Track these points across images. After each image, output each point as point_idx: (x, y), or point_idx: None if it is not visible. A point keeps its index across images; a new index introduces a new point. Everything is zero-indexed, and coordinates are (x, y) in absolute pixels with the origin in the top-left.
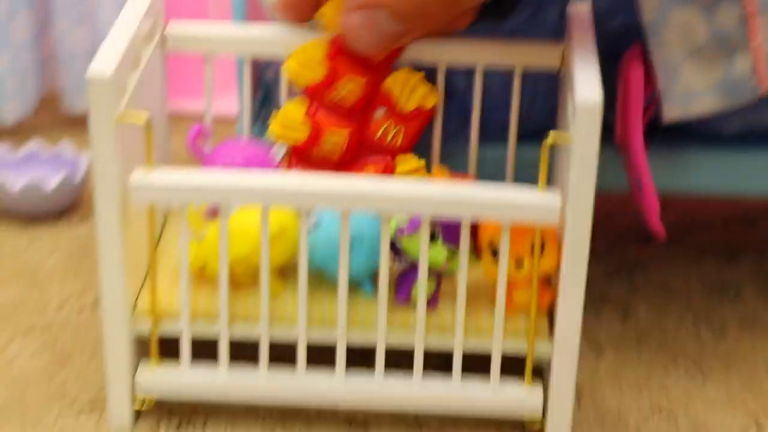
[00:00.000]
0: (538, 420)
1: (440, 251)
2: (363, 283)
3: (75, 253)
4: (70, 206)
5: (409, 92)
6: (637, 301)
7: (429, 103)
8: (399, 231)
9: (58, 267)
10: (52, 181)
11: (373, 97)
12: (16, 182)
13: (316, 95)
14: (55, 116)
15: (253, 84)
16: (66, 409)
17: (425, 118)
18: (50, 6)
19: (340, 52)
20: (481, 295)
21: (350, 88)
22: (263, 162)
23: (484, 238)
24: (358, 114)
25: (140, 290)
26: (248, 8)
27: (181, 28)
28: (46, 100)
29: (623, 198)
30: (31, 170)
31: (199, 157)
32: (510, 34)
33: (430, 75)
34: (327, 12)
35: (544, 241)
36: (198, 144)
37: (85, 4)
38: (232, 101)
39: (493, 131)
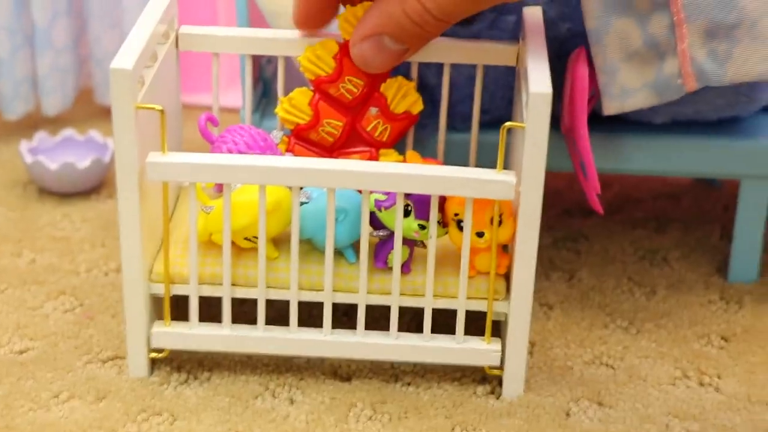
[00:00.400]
0: (498, 369)
1: (413, 223)
2: (346, 251)
3: (102, 225)
4: (98, 185)
5: (401, 97)
6: (580, 267)
7: (416, 110)
8: (377, 205)
9: (87, 237)
10: (84, 162)
11: (369, 97)
12: (53, 163)
13: (321, 87)
14: (89, 108)
15: (254, 79)
16: (93, 359)
17: (410, 121)
18: (86, 14)
19: (347, 55)
20: (447, 262)
21: (351, 86)
22: (263, 144)
23: (451, 211)
24: (354, 109)
25: (156, 257)
26: (251, 15)
27: (191, 30)
28: (82, 94)
29: (568, 177)
30: (66, 153)
31: (209, 140)
32: (475, 36)
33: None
34: (341, 22)
35: (502, 214)
36: (207, 129)
37: (114, 14)
38: (236, 95)
39: (459, 120)
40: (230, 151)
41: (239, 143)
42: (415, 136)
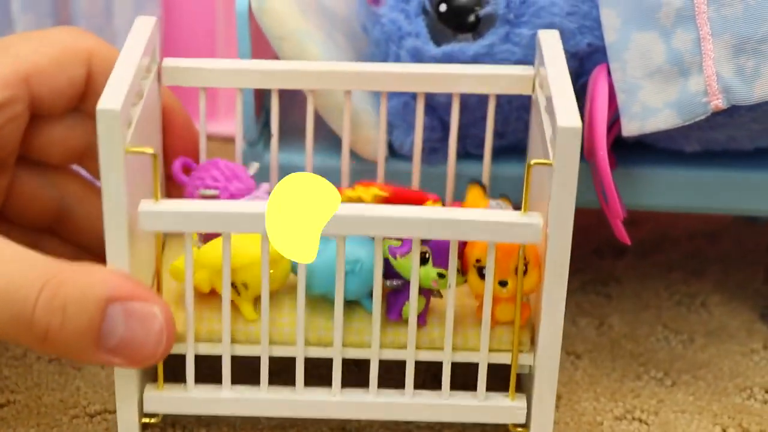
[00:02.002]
0: (522, 427)
1: (431, 271)
2: (363, 300)
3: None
4: None
5: None
6: (611, 312)
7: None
8: (392, 252)
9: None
10: None
11: None
12: None
13: None
14: None
15: (257, 107)
16: (80, 414)
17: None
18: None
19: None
20: (465, 312)
21: None
22: (240, 177)
23: (472, 257)
24: None
25: None
26: (256, 42)
27: (176, 63)
28: None
29: (597, 213)
30: None
31: (182, 184)
32: (488, 51)
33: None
34: None
35: (528, 263)
36: (182, 174)
37: (103, 34)
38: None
39: (473, 146)
40: (207, 188)
41: (219, 179)
42: (426, 162)
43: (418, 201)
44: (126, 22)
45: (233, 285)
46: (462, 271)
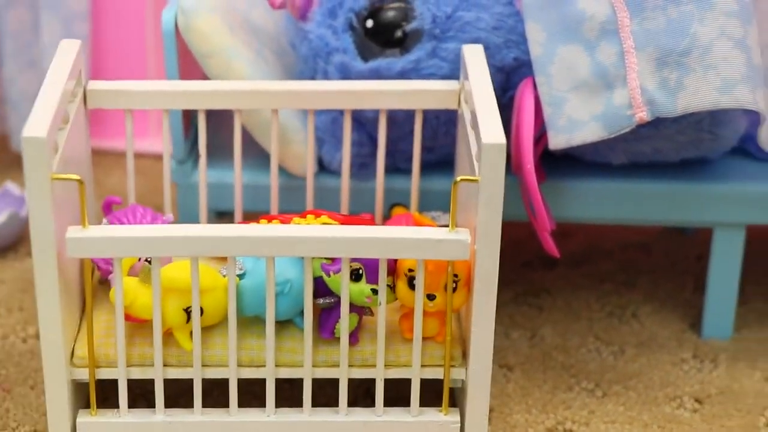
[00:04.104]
0: None
1: (365, 288)
2: (295, 319)
3: (20, 286)
4: (16, 241)
5: None
6: (542, 324)
7: None
8: (325, 269)
9: (3, 299)
10: None
11: None
12: None
13: None
14: (4, 156)
15: (186, 126)
16: None
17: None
18: (0, 51)
19: None
20: (395, 328)
21: None
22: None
23: (404, 266)
24: None
25: (77, 334)
26: (181, 69)
27: (101, 86)
28: None
29: (527, 226)
30: None
31: (110, 220)
32: (414, 65)
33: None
34: None
35: (459, 279)
36: (110, 211)
37: (31, 52)
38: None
39: (402, 160)
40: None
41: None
42: (356, 177)
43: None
44: (54, 39)
45: (187, 311)
46: (393, 285)
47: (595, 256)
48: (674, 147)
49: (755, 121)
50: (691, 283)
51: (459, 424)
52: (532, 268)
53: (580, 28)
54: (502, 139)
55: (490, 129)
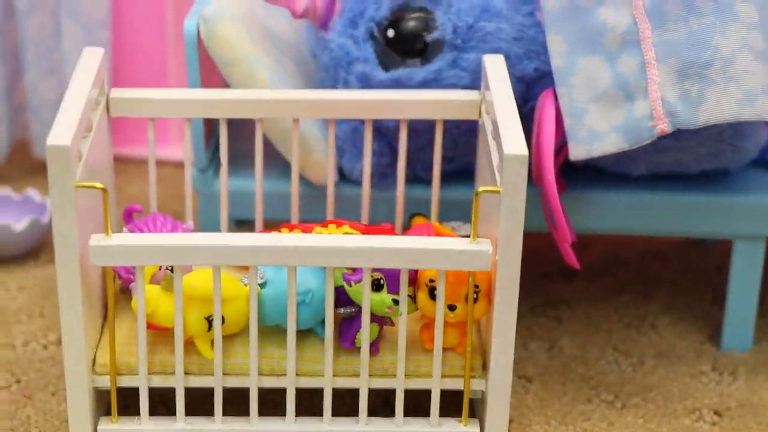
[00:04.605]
0: None
1: (386, 298)
2: (316, 328)
3: (41, 292)
4: (37, 247)
5: None
6: (561, 335)
7: None
8: (346, 279)
9: (25, 305)
10: (20, 224)
11: None
12: None
13: None
14: (26, 162)
15: (207, 134)
16: None
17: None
18: (21, 59)
19: None
20: (417, 339)
21: None
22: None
23: (425, 276)
24: None
25: (99, 342)
26: (203, 77)
27: (124, 94)
28: (18, 147)
29: (547, 237)
30: (1, 213)
31: (131, 229)
32: (436, 76)
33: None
34: None
35: (479, 290)
36: (131, 219)
37: (52, 59)
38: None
39: (422, 170)
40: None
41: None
42: (376, 187)
43: (387, 235)
44: (75, 46)
45: (208, 319)
46: (414, 295)
47: (613, 266)
48: (695, 159)
49: None
50: (710, 294)
51: None
52: (551, 279)
53: (601, 40)
54: (524, 150)
55: (512, 140)
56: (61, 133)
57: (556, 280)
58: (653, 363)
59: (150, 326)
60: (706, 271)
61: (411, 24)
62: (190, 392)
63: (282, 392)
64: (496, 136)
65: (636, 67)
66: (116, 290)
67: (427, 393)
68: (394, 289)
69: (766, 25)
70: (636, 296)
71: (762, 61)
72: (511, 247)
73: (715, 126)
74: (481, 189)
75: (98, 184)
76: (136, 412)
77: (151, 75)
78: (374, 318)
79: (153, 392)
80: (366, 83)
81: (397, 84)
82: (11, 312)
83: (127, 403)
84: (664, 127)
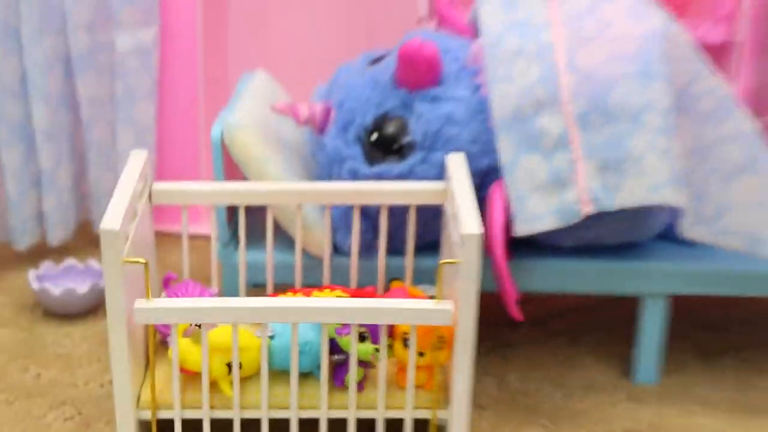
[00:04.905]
0: None
1: (369, 347)
2: (315, 371)
3: (99, 342)
4: (96, 305)
5: None
6: (509, 371)
7: None
8: (338, 332)
9: (86, 353)
10: (83, 287)
11: None
12: (57, 288)
13: None
14: (88, 237)
15: (230, 215)
16: None
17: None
18: (85, 159)
19: None
20: (393, 380)
21: None
22: (201, 295)
23: (400, 331)
24: None
25: (143, 383)
26: (226, 171)
27: (164, 186)
28: (82, 225)
29: (497, 295)
30: (68, 279)
31: (168, 293)
32: (410, 169)
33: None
34: None
35: (445, 340)
36: (168, 285)
37: (109, 158)
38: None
39: (399, 243)
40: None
41: (187, 293)
42: (363, 257)
43: (370, 297)
44: (127, 147)
45: (230, 365)
46: (391, 341)
47: (549, 318)
48: (612, 233)
49: (675, 214)
50: (624, 338)
51: None
52: (500, 328)
53: (539, 142)
54: (478, 230)
55: (469, 222)
56: (111, 219)
57: (504, 329)
58: (580, 394)
59: (182, 371)
60: (621, 320)
61: (390, 130)
62: (214, 423)
63: (287, 422)
64: (456, 218)
65: (567, 163)
66: (156, 342)
67: (401, 421)
68: (375, 340)
69: (670, 129)
70: (567, 340)
71: (665, 158)
72: (468, 306)
73: (629, 209)
74: (443, 261)
75: (141, 260)
76: None
77: (186, 169)
78: (360, 363)
79: (185, 423)
80: (354, 176)
81: (379, 177)
82: (75, 358)
83: (164, 431)
84: (588, 209)
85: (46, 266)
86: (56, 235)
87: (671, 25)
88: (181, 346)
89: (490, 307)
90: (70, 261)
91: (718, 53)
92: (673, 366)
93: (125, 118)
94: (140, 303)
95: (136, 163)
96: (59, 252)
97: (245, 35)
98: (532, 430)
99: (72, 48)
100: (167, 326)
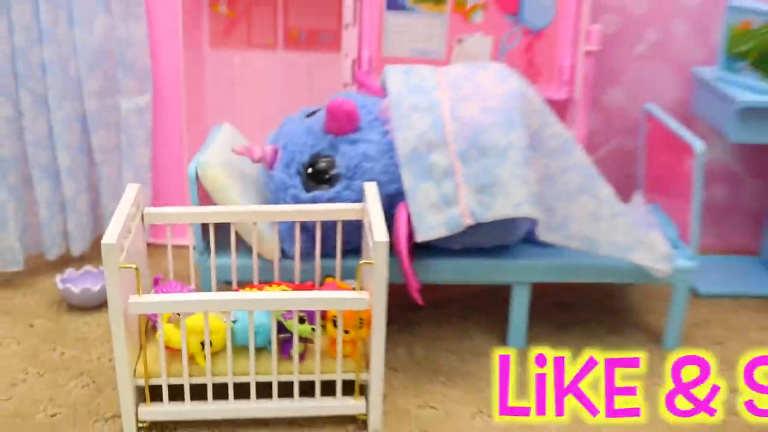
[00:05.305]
0: (364, 415)
1: (307, 328)
2: (267, 347)
3: (109, 328)
4: (107, 301)
5: None
6: (415, 343)
7: None
8: (284, 317)
9: (99, 337)
10: (97, 287)
11: None
12: (77, 288)
13: None
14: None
15: (204, 231)
16: (99, 419)
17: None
18: (98, 191)
19: None
20: (327, 351)
21: None
22: (182, 290)
23: (330, 314)
24: None
25: (138, 359)
26: (200, 198)
27: (153, 210)
28: (97, 240)
29: (404, 285)
30: (86, 281)
31: (156, 290)
32: (337, 194)
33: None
34: None
35: (364, 320)
36: (157, 283)
37: (116, 190)
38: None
39: (329, 250)
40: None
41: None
42: (304, 260)
43: (308, 290)
44: (130, 181)
45: (203, 343)
46: (324, 322)
47: (446, 302)
48: (488, 238)
49: (533, 223)
50: (501, 316)
51: (365, 405)
52: (408, 310)
53: (431, 173)
54: (386, 238)
55: (379, 232)
56: (110, 235)
57: (411, 311)
58: (469, 357)
59: (167, 349)
60: (498, 302)
61: (321, 165)
62: (192, 387)
63: (247, 385)
64: (370, 230)
65: (452, 188)
66: (147, 327)
67: (334, 382)
68: (312, 321)
69: (528, 160)
70: (458, 319)
71: (524, 183)
72: (380, 295)
73: (499, 220)
74: (362, 262)
75: (133, 265)
76: (161, 399)
77: (174, 197)
78: (301, 339)
79: (171, 387)
80: (296, 200)
81: (314, 200)
82: (90, 340)
83: (154, 394)
84: (469, 221)
85: (69, 271)
86: (77, 248)
87: (527, 87)
88: (166, 330)
89: (400, 295)
90: (88, 267)
91: (561, 107)
92: (535, 334)
93: (128, 161)
94: (133, 298)
95: (130, 193)
96: (79, 260)
97: (217, 99)
98: (433, 386)
99: (87, 110)
100: (155, 315)
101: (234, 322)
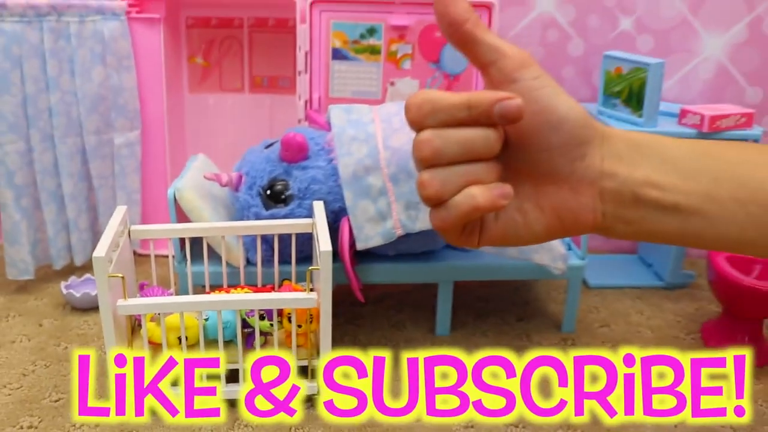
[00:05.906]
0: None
1: (266, 323)
2: (234, 340)
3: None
4: None
5: None
6: (359, 333)
7: None
8: (247, 314)
9: (96, 333)
10: (95, 291)
11: None
12: (78, 293)
13: None
14: None
15: (181, 244)
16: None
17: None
18: (97, 212)
19: None
20: (283, 342)
21: None
22: (164, 294)
23: (285, 312)
24: None
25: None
26: (178, 217)
27: (138, 227)
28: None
29: (348, 285)
30: (86, 287)
31: (142, 294)
32: (291, 211)
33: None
34: None
35: (314, 315)
36: (143, 288)
37: (111, 210)
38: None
39: (286, 258)
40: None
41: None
42: (264, 266)
43: (268, 292)
44: (122, 204)
45: (180, 338)
46: (281, 318)
47: (385, 298)
48: (417, 245)
49: None
50: (429, 309)
51: (317, 387)
52: (352, 306)
53: (369, 192)
54: (330, 248)
55: (324, 243)
56: (100, 249)
57: (354, 307)
58: (404, 345)
59: (150, 343)
60: (427, 298)
61: (277, 188)
62: None
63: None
64: (318, 241)
65: (386, 205)
66: (134, 324)
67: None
68: (270, 318)
69: None
70: (394, 312)
71: None
72: (326, 294)
73: (426, 230)
74: (311, 268)
75: (120, 275)
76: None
77: (160, 215)
78: (262, 333)
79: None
80: (257, 217)
81: (272, 217)
82: (90, 336)
83: None
84: (400, 232)
85: (72, 279)
86: (79, 259)
87: None
88: (149, 328)
89: (344, 294)
90: (88, 275)
91: None
92: (459, 324)
93: (121, 186)
94: (121, 302)
95: (118, 214)
96: (81, 269)
97: (194, 134)
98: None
99: (86, 144)
100: (140, 315)
101: (206, 320)
